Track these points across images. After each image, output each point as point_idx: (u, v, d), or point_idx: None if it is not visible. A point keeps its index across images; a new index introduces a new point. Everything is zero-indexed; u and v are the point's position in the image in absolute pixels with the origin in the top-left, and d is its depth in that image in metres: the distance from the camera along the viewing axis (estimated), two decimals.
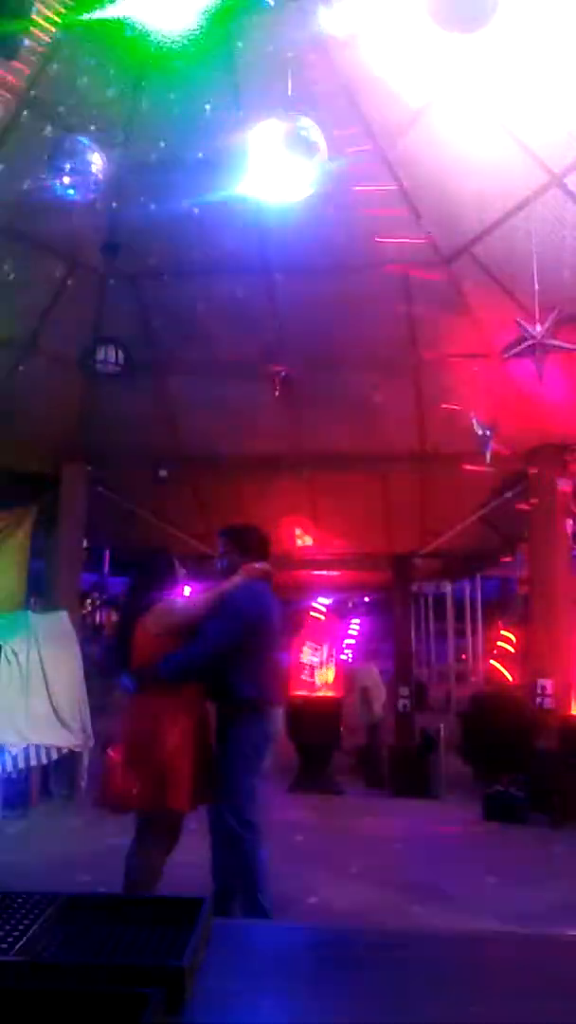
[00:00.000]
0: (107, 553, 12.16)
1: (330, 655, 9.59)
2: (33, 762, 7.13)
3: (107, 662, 3.55)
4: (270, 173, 4.61)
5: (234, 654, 3.90)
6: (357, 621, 18.50)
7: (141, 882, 3.73)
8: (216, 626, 3.88)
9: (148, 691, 3.82)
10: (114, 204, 6.04)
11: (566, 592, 7.99)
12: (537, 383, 5.91)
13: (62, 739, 7.46)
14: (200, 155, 5.62)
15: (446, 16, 3.92)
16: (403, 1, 4.40)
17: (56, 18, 4.49)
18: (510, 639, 10.78)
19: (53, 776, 7.73)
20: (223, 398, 7.92)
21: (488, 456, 6.82)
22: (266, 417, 7.70)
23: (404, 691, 9.07)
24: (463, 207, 6.03)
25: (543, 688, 7.79)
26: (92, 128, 5.21)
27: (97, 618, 15.25)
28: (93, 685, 8.12)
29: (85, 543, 8.99)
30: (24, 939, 1.46)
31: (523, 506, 8.25)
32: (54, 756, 7.43)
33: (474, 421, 6.82)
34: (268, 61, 4.96)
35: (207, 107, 5.46)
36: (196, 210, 5.90)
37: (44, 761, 7.31)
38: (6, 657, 7.02)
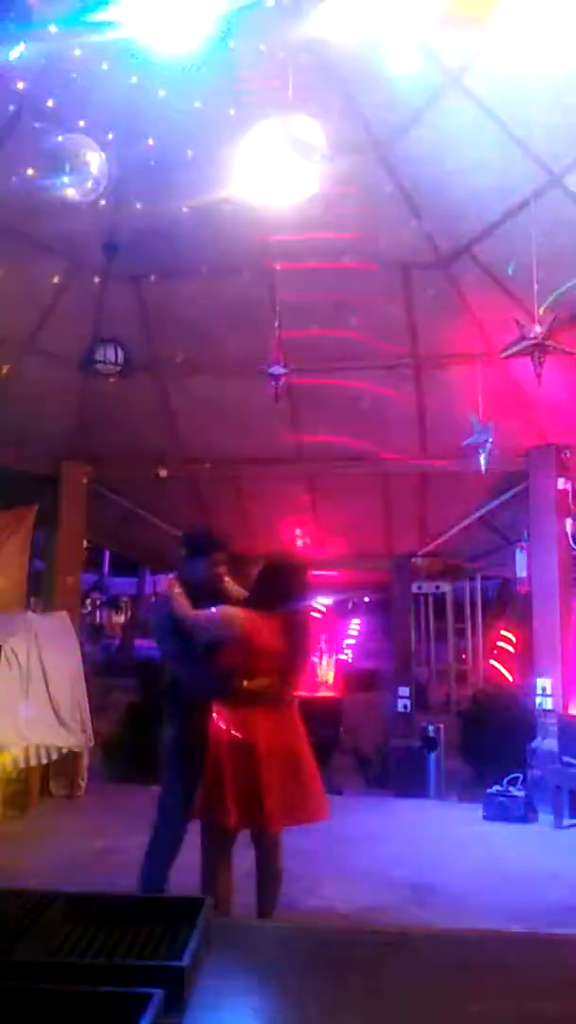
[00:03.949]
0: (107, 553, 12.13)
1: (330, 655, 9.58)
2: (33, 762, 7.12)
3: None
4: (270, 173, 4.61)
5: None
6: (357, 621, 18.48)
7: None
8: None
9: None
10: (114, 203, 6.03)
11: (566, 592, 7.98)
12: (536, 383, 5.89)
13: (62, 739, 7.46)
14: (200, 154, 5.61)
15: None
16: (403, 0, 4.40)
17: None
18: (510, 639, 10.75)
19: (53, 776, 7.73)
20: (223, 398, 7.91)
21: (484, 462, 6.80)
22: (266, 417, 7.69)
23: (404, 691, 9.05)
24: (463, 207, 6.03)
25: (543, 688, 7.79)
26: (92, 128, 5.20)
27: (97, 618, 15.24)
28: (93, 685, 8.12)
29: (85, 543, 8.98)
30: (24, 939, 1.46)
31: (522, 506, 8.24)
32: (54, 756, 7.43)
33: (473, 423, 6.79)
34: (267, 60, 4.95)
35: (207, 106, 5.45)
36: (196, 210, 5.89)
37: (44, 761, 7.30)
38: (6, 657, 7.02)
